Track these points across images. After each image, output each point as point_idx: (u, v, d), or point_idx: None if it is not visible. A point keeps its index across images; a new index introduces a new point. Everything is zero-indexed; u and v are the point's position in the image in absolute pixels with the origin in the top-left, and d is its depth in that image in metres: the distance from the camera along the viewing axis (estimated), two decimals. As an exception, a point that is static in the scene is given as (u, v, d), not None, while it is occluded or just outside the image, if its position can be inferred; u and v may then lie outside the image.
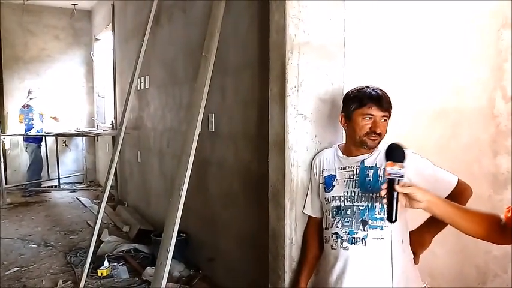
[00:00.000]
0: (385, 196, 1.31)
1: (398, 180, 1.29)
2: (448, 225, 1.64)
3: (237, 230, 2.77)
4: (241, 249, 2.70)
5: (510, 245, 1.32)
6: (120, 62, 5.83)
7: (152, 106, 4.45)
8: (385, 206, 1.33)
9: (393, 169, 1.28)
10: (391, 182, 1.29)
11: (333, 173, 1.76)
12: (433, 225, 1.66)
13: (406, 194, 1.26)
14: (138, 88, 4.74)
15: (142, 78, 4.61)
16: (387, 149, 1.37)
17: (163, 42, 4.08)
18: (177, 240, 2.79)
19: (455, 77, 2.72)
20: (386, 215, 1.35)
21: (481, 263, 2.49)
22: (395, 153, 1.33)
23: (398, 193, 1.29)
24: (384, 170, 1.33)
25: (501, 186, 2.34)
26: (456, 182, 1.61)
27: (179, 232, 3.21)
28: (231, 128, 2.80)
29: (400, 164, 1.29)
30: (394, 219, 1.33)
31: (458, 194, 1.61)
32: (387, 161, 1.31)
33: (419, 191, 1.25)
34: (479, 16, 2.59)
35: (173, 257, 2.80)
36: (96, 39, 7.78)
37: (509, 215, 1.26)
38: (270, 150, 2.03)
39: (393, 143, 1.38)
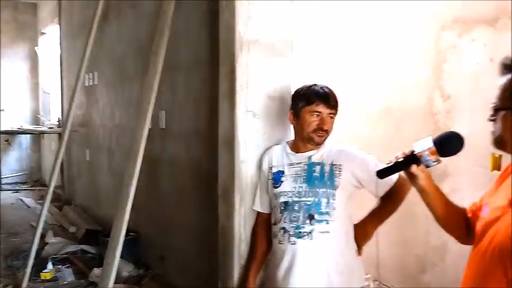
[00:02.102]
0: (397, 160, 1.22)
1: (421, 164, 1.19)
2: (390, 217, 1.74)
3: (189, 228, 2.74)
4: (192, 247, 2.69)
5: (448, 236, 1.38)
6: (67, 57, 5.60)
7: (101, 103, 4.31)
8: (387, 164, 1.26)
9: (429, 156, 1.15)
10: (413, 159, 1.18)
11: (281, 169, 1.79)
12: (376, 218, 1.73)
13: (412, 174, 1.21)
14: (86, 84, 4.57)
15: (91, 74, 4.45)
16: (446, 136, 1.19)
17: (112, 38, 3.97)
18: (126, 240, 2.72)
19: (399, 77, 2.86)
20: (379, 170, 1.29)
21: (421, 253, 2.63)
22: (447, 147, 1.17)
23: (407, 169, 1.21)
24: (423, 151, 1.16)
25: (439, 180, 2.46)
26: (397, 177, 1.68)
27: (129, 231, 3.15)
28: (182, 125, 2.77)
29: (439, 158, 1.16)
30: (381, 177, 1.31)
31: (398, 189, 1.69)
32: (435, 146, 1.16)
33: (424, 180, 1.22)
34: (421, 19, 2.73)
35: (122, 257, 2.74)
36: (42, 33, 7.41)
37: (470, 215, 1.32)
38: (219, 147, 2.03)
39: (457, 135, 1.19)
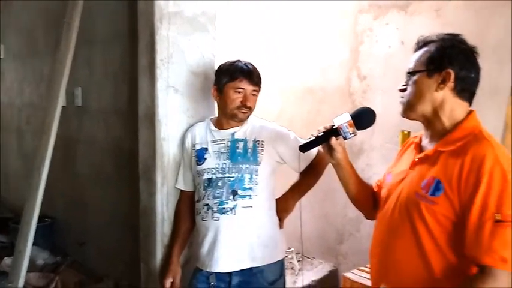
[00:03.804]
0: (318, 134, 1.30)
1: (339, 136, 1.28)
2: (309, 190, 1.81)
3: (110, 210, 2.63)
4: (114, 230, 2.58)
5: None
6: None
7: (8, 79, 3.92)
8: (309, 138, 1.33)
9: (347, 128, 1.25)
10: (333, 132, 1.28)
11: (205, 146, 1.77)
12: (296, 192, 1.79)
13: (330, 147, 1.29)
14: (-10, 58, 4.13)
15: (-5, 47, 4.02)
16: (361, 110, 1.31)
17: (19, 7, 3.60)
18: (40, 226, 2.56)
19: (321, 58, 2.95)
20: (302, 145, 1.37)
21: (339, 225, 2.79)
22: (362, 120, 1.28)
23: (327, 142, 1.29)
24: (342, 124, 1.26)
25: (355, 156, 2.63)
26: (316, 153, 1.75)
27: (44, 217, 2.96)
28: (101, 102, 2.62)
29: (355, 130, 1.27)
30: (304, 151, 1.38)
31: (317, 163, 1.76)
32: (352, 119, 1.26)
33: (341, 153, 1.30)
34: (339, 3, 2.82)
35: (37, 244, 2.58)
36: None
37: (376, 189, 1.41)
38: (140, 124, 1.95)
39: (370, 110, 1.31)
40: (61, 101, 2.41)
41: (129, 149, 2.30)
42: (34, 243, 2.38)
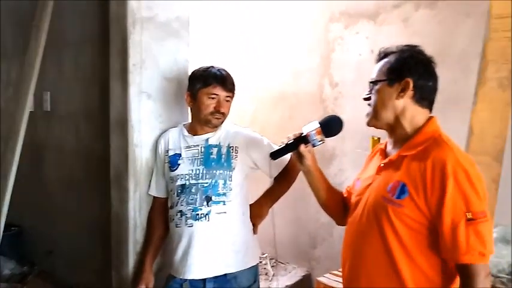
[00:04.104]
0: (288, 142, 1.33)
1: (308, 144, 1.31)
2: (282, 196, 1.83)
3: (80, 218, 2.57)
4: (84, 237, 2.52)
5: None
6: None
7: (-28, 83, 3.78)
8: (279, 146, 1.36)
9: (315, 136, 1.29)
10: (302, 140, 1.30)
11: (178, 152, 1.76)
12: (270, 197, 1.81)
13: (300, 154, 1.31)
14: (-47, 61, 3.97)
15: (-42, 49, 3.87)
16: (329, 118, 1.34)
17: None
18: (6, 235, 2.47)
19: (293, 65, 2.99)
20: (272, 152, 1.40)
21: (312, 230, 2.83)
22: (330, 127, 1.32)
23: (296, 149, 1.32)
24: (311, 131, 1.29)
25: (327, 162, 2.67)
26: (289, 158, 1.77)
27: (10, 225, 2.85)
28: (70, 107, 2.56)
29: (323, 138, 1.30)
30: (274, 158, 1.42)
31: (291, 169, 1.78)
32: (320, 126, 1.30)
33: (310, 160, 1.32)
34: (312, 12, 2.88)
35: (3, 254, 2.50)
36: None
37: (346, 195, 1.44)
38: (111, 130, 1.92)
39: (338, 118, 1.34)
40: (29, 106, 2.34)
41: (100, 154, 2.26)
42: (0, 253, 2.30)
